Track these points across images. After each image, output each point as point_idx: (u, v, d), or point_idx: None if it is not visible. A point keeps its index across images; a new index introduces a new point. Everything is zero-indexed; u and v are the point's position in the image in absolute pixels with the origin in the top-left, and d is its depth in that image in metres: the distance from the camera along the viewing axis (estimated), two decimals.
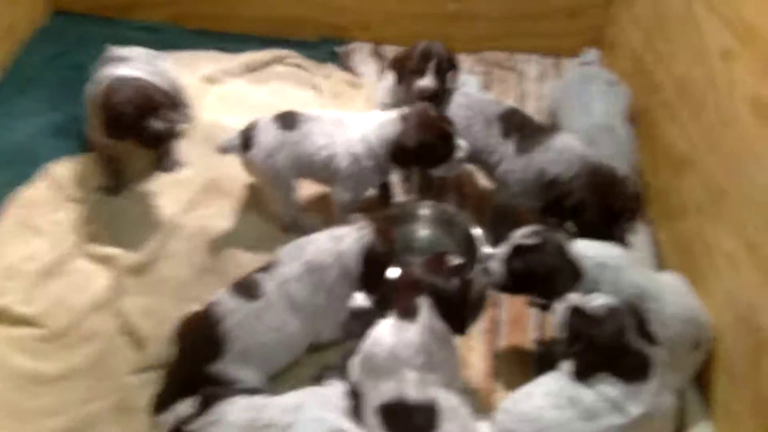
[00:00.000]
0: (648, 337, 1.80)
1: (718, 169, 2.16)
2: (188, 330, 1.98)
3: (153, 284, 2.29)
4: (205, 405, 1.75)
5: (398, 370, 1.77)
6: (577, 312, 1.81)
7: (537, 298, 2.09)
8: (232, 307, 1.95)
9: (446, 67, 2.47)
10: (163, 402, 1.91)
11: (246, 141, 2.33)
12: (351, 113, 2.51)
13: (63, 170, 2.61)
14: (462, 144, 2.28)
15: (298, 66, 3.23)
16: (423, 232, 2.52)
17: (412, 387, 1.75)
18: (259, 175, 2.42)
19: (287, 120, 2.35)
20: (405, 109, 2.30)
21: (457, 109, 2.45)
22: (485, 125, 2.41)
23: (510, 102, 2.88)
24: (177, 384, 1.93)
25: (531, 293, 2.07)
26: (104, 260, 2.35)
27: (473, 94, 2.59)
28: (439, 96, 2.44)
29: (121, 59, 2.47)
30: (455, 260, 1.92)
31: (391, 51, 3.31)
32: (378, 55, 3.32)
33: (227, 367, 1.91)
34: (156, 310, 2.20)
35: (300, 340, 2.05)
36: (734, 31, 2.12)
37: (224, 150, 2.36)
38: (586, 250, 1.98)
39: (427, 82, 2.42)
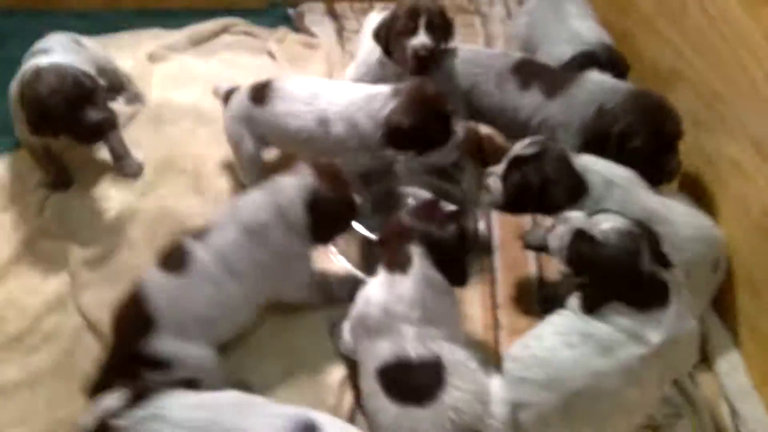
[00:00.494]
0: (663, 258, 1.59)
1: (709, 73, 2.03)
2: (120, 313, 1.77)
3: (113, 276, 2.08)
4: (138, 397, 1.50)
5: (394, 327, 1.59)
6: (583, 236, 1.61)
7: (539, 214, 1.95)
8: (160, 284, 1.76)
9: (439, 23, 2.23)
10: (97, 390, 1.67)
11: (226, 98, 2.24)
12: (329, 83, 2.28)
13: (2, 169, 2.40)
14: (459, 128, 2.07)
15: (248, 34, 3.04)
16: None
17: (411, 343, 1.56)
18: (226, 137, 2.27)
19: (258, 93, 2.18)
20: (399, 83, 2.07)
21: (462, 66, 2.24)
22: (497, 81, 2.20)
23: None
24: (113, 369, 1.71)
25: (532, 210, 1.91)
26: (57, 257, 2.15)
27: (480, 48, 2.41)
28: (436, 57, 2.20)
29: (42, 51, 2.22)
30: (449, 206, 1.73)
31: (344, 8, 3.15)
32: (332, 13, 3.13)
33: (163, 344, 1.70)
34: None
35: (246, 307, 1.85)
36: None
37: (215, 91, 2.34)
38: (593, 164, 1.81)
39: (421, 39, 2.17)
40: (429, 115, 2.00)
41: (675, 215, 1.83)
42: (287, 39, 3.00)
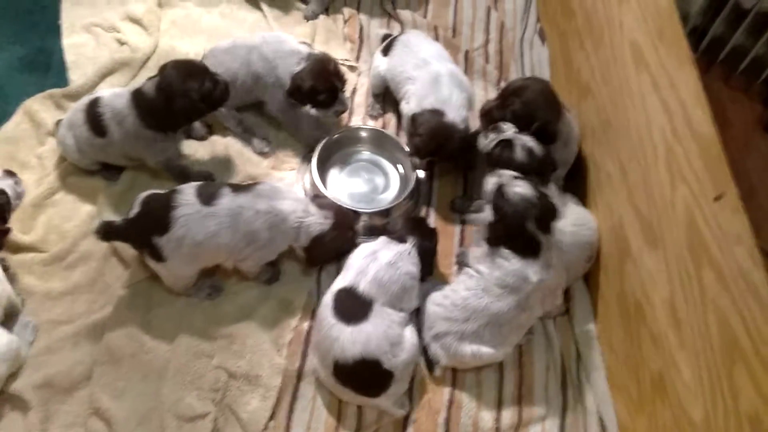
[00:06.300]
0: (546, 227, 2.16)
1: (607, 101, 2.52)
2: (154, 202, 2.24)
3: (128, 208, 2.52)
4: None
5: (364, 269, 2.21)
6: (500, 190, 2.17)
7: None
8: (188, 201, 2.19)
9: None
10: (106, 232, 2.22)
11: None
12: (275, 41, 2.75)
13: (38, 105, 2.82)
14: (345, 100, 2.65)
15: None
16: (365, 152, 2.90)
17: (365, 284, 2.18)
18: None
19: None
20: (315, 52, 2.63)
21: None
22: None
23: None
24: (125, 233, 2.24)
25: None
26: (86, 191, 2.64)
27: None
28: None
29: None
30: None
31: None
32: None
33: (166, 244, 2.18)
34: None
35: (224, 255, 2.31)
36: None
37: None
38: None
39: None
40: (321, 84, 2.57)
41: (567, 226, 2.38)
42: None
